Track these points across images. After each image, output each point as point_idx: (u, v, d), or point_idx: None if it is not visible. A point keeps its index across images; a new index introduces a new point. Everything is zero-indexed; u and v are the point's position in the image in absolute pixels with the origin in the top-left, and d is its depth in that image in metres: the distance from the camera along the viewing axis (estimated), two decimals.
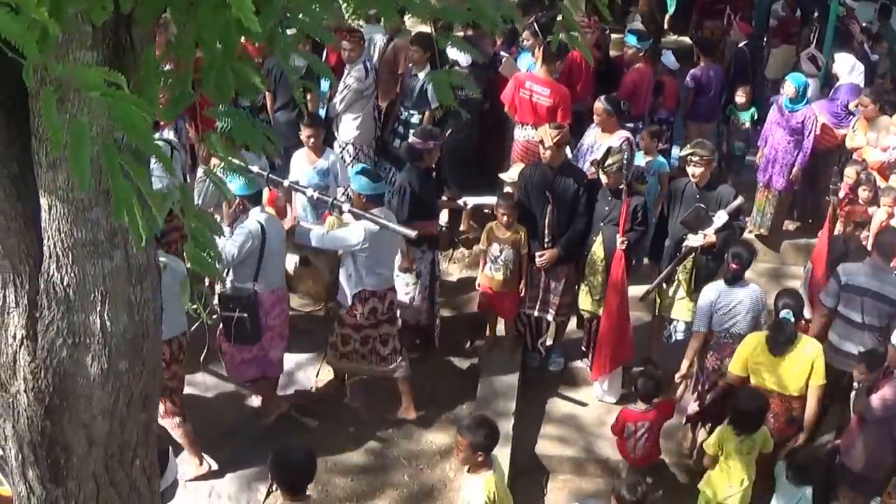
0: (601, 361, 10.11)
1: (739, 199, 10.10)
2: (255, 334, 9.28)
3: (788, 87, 12.40)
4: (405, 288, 10.44)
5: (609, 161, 9.90)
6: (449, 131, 11.15)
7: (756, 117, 13.81)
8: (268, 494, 8.60)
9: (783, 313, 8.72)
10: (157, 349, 4.83)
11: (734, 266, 9.26)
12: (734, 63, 14.83)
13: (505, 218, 10.15)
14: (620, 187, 9.94)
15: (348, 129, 11.74)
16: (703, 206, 9.87)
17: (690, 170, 10.00)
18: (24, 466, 4.93)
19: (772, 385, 8.74)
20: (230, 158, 4.87)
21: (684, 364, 9.64)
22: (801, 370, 8.66)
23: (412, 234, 8.86)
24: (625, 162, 10.11)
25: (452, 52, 10.44)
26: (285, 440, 8.02)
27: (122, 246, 4.38)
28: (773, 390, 8.73)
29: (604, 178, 10.02)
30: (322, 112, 11.92)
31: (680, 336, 10.23)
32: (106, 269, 4.37)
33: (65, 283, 4.36)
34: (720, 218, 9.81)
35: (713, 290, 9.35)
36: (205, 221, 4.27)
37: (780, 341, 8.66)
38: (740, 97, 13.78)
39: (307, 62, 5.17)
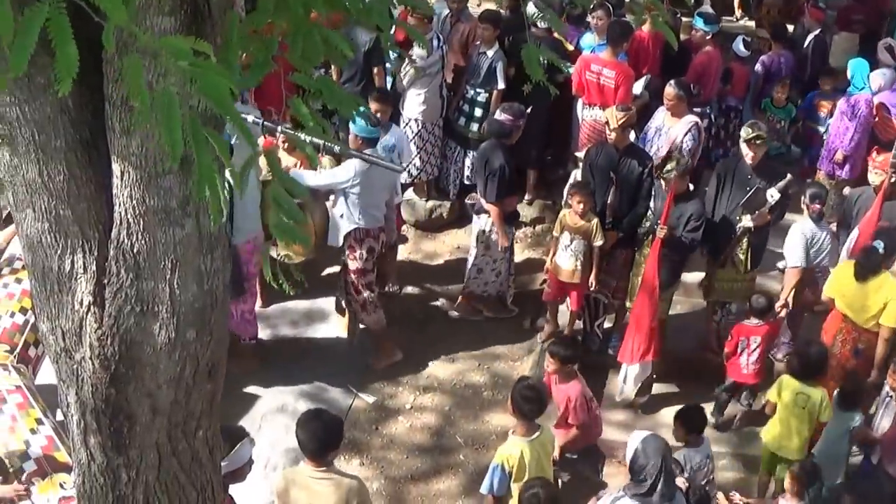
0: (627, 349, 9.89)
1: (788, 177, 10.02)
2: (239, 287, 9.38)
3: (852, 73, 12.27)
4: (492, 264, 10.59)
5: (668, 167, 9.75)
6: (531, 108, 10.99)
7: (794, 115, 13.36)
8: None
9: (874, 243, 9.05)
10: (224, 319, 4.78)
11: (816, 206, 9.77)
12: (813, 51, 14.28)
13: (580, 206, 9.89)
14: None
15: (413, 105, 11.66)
16: (760, 185, 9.83)
17: (749, 150, 9.90)
18: (85, 434, 4.91)
19: (846, 309, 9.11)
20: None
21: (782, 296, 9.91)
22: (875, 304, 8.93)
23: (400, 168, 9.35)
24: (688, 162, 10.03)
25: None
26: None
27: (193, 214, 4.32)
28: (847, 315, 9.10)
29: (662, 184, 9.90)
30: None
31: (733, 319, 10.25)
32: (177, 238, 4.32)
33: (135, 251, 4.32)
34: (773, 196, 9.77)
35: (805, 228, 9.76)
36: (289, 186, 4.22)
37: (865, 267, 8.98)
38: (778, 93, 13.20)
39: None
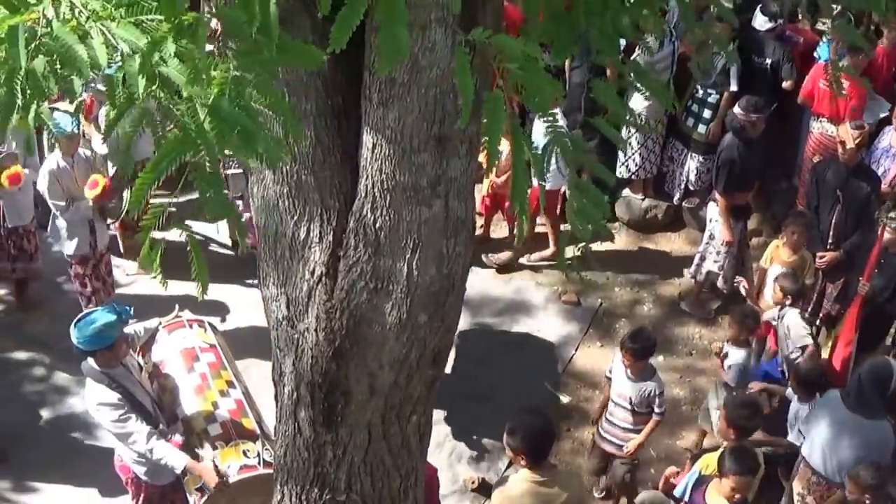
0: None
1: None
2: None
3: None
4: (715, 255, 10.24)
5: (893, 213, 9.04)
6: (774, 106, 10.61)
7: None
8: (509, 465, 8.39)
9: None
10: (458, 306, 4.60)
11: None
12: None
13: (794, 237, 9.29)
14: None
15: (637, 99, 11.31)
16: None
17: None
18: (296, 406, 4.80)
19: None
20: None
21: None
22: None
23: None
24: None
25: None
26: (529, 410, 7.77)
27: (443, 195, 4.15)
28: None
29: (888, 235, 8.82)
30: None
31: None
32: (423, 217, 4.16)
33: (377, 226, 4.17)
34: None
35: None
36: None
37: None
38: None
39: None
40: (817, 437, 7.44)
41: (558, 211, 10.66)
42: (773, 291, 8.77)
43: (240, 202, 10.05)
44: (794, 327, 8.44)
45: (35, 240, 10.25)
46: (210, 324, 7.77)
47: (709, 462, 7.06)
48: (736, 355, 8.53)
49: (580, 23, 3.79)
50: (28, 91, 2.71)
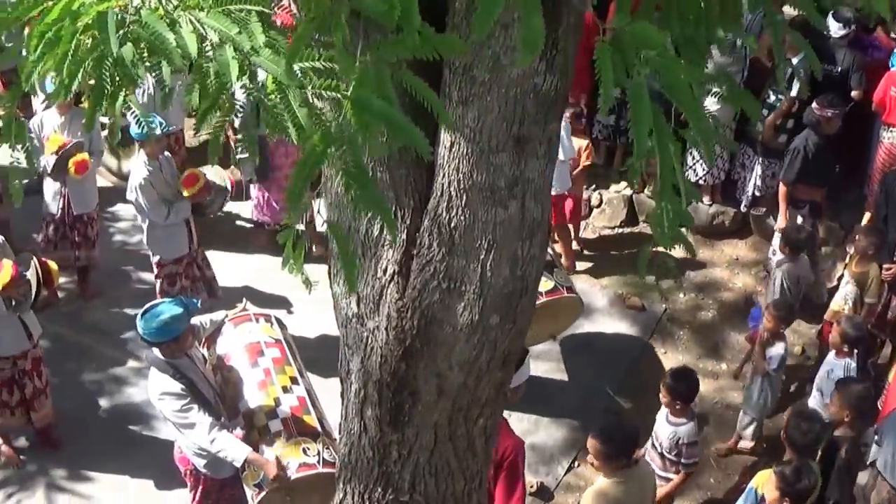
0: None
1: None
2: (263, 171, 10.19)
3: None
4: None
5: None
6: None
7: None
8: (568, 469, 8.35)
9: None
10: (530, 309, 4.53)
11: None
12: None
13: (864, 249, 9.13)
14: None
15: (708, 102, 11.18)
16: None
17: None
18: (363, 404, 4.76)
19: None
20: None
21: None
22: None
23: None
24: None
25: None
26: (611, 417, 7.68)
27: (520, 196, 4.08)
28: None
29: None
30: None
31: None
32: (498, 218, 4.09)
33: (451, 225, 4.11)
34: None
35: None
36: None
37: None
38: None
39: None
40: (893, 451, 7.29)
41: (568, 216, 10.69)
42: (833, 334, 8.51)
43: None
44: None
45: (97, 227, 10.31)
46: (276, 319, 7.75)
47: (763, 480, 6.93)
48: (778, 347, 8.53)
49: (674, 29, 3.69)
50: (117, 78, 2.68)
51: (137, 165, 9.15)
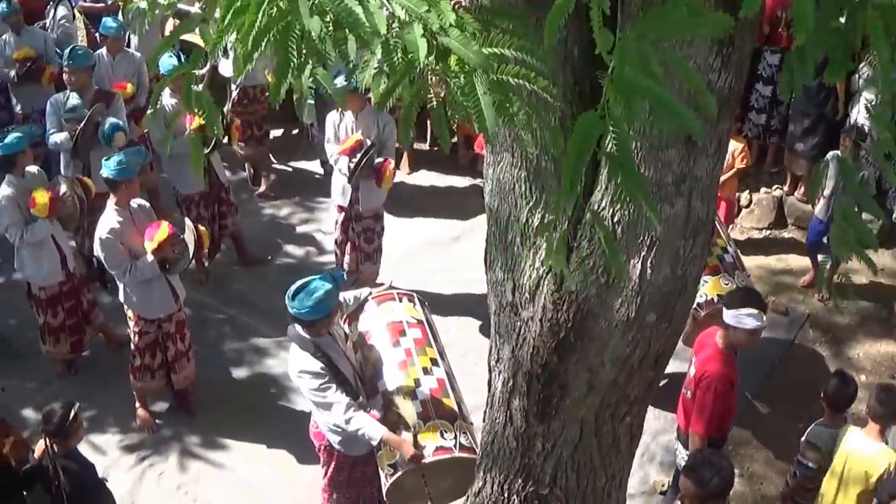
0: None
1: None
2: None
3: None
4: None
5: None
6: None
7: None
8: None
9: None
10: (687, 309, 4.46)
11: None
12: None
13: None
14: None
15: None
16: None
17: None
18: (511, 394, 4.74)
19: None
20: None
21: None
22: None
23: None
24: None
25: None
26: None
27: (686, 194, 4.02)
28: None
29: None
30: None
31: None
32: (663, 215, 4.02)
33: (615, 220, 4.05)
34: None
35: None
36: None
37: None
38: None
39: None
40: None
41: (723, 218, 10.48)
42: None
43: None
44: None
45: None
46: (420, 299, 7.69)
47: None
48: None
49: (858, 37, 3.54)
50: (304, 51, 2.66)
51: (331, 117, 9.53)
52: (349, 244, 9.83)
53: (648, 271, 4.12)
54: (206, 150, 9.20)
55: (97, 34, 11.80)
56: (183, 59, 7.66)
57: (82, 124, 9.38)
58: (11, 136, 8.57)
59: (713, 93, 3.81)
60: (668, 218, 4.03)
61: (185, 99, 3.28)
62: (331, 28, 2.67)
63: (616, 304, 4.21)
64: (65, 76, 10.00)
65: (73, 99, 9.66)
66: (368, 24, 2.57)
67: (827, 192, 9.37)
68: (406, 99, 2.90)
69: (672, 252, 4.13)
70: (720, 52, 3.76)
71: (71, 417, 6.68)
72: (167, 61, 9.10)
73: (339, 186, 9.58)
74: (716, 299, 8.32)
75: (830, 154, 9.06)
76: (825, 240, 8.79)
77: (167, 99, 9.67)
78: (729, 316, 6.86)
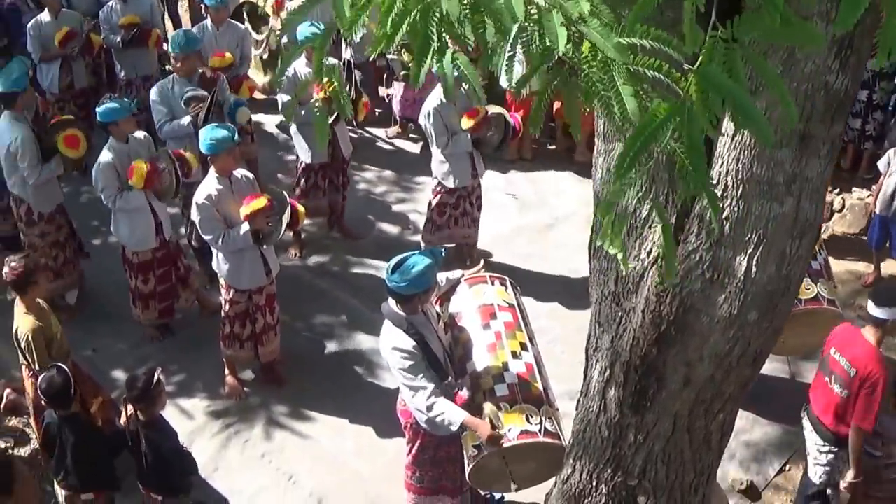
0: None
1: None
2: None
3: None
4: None
5: None
6: None
7: None
8: (780, 471, 8.19)
9: None
10: (788, 309, 4.46)
11: None
12: None
13: None
14: None
15: None
16: None
17: None
18: (607, 383, 4.77)
19: None
20: None
21: None
22: None
23: None
24: None
25: None
26: None
27: (796, 194, 4.01)
28: None
29: None
30: None
31: None
32: (772, 213, 4.03)
33: (723, 216, 4.06)
34: None
35: None
36: None
37: None
38: None
39: None
40: None
41: None
42: None
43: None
44: None
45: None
46: (511, 283, 7.71)
47: None
48: None
49: None
50: (443, 33, 2.68)
51: (434, 96, 9.43)
52: (464, 218, 9.98)
53: (753, 269, 4.13)
54: (329, 120, 9.30)
55: (201, 4, 11.96)
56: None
57: (207, 105, 9.48)
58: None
59: (829, 94, 3.81)
60: (776, 217, 4.04)
61: (315, 69, 3.33)
62: (467, 11, 2.69)
63: (719, 301, 4.22)
64: (172, 62, 10.06)
65: (187, 84, 9.80)
66: (507, 9, 2.59)
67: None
68: (540, 87, 2.93)
69: (778, 251, 4.13)
70: (839, 53, 3.75)
71: (154, 384, 6.75)
72: (306, 28, 9.22)
73: (464, 167, 9.65)
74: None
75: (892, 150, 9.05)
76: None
77: (301, 67, 9.75)
78: (882, 312, 6.97)
